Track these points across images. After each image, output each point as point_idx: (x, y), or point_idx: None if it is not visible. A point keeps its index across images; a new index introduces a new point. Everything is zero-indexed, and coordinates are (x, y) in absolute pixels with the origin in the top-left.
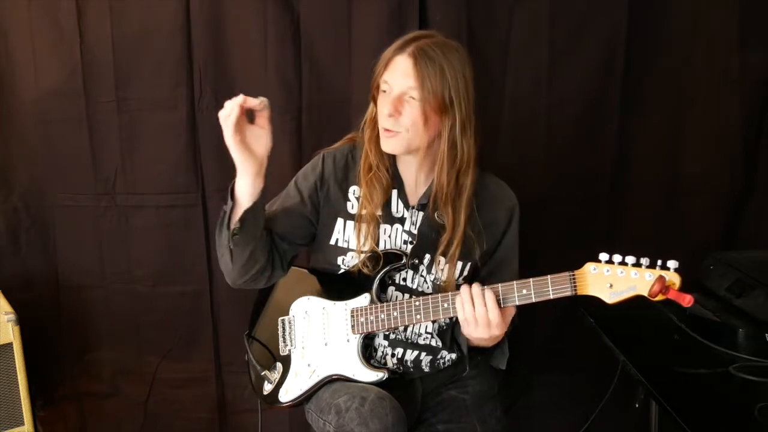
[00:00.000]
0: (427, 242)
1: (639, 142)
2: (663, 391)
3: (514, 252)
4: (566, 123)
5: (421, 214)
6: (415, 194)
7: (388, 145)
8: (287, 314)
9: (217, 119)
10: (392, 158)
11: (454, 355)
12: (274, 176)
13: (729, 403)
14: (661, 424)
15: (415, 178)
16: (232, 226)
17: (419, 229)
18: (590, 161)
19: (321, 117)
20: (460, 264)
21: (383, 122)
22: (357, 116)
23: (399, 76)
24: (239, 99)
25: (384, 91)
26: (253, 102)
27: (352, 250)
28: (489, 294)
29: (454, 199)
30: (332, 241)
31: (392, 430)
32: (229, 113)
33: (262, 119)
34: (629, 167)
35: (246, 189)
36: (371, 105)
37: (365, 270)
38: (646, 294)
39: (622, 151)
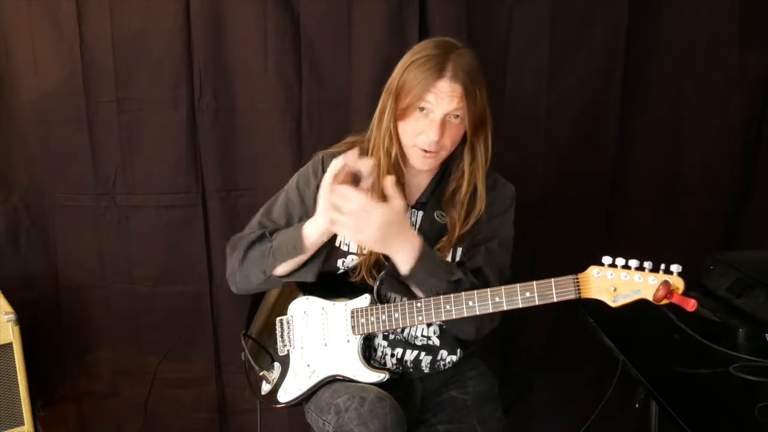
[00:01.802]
0: (427, 241)
1: (639, 142)
2: (663, 391)
3: (498, 232)
4: (566, 123)
5: (420, 213)
6: (413, 195)
7: (426, 164)
8: (285, 314)
9: (217, 119)
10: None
11: (454, 357)
12: (274, 176)
13: (729, 403)
14: (661, 424)
15: (419, 180)
16: (286, 267)
17: (420, 228)
18: (590, 161)
19: (321, 117)
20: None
21: (426, 145)
22: (357, 116)
23: (444, 101)
24: (345, 159)
25: (422, 109)
26: (363, 165)
27: (353, 254)
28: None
29: (479, 202)
30: (336, 243)
31: (391, 431)
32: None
33: (364, 187)
34: (629, 167)
35: (315, 234)
36: (387, 120)
37: (370, 281)
38: (650, 298)
39: (622, 151)
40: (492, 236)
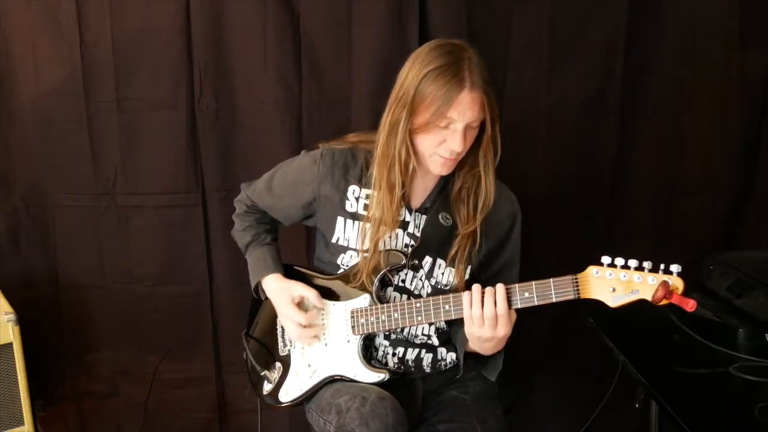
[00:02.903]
0: (429, 243)
1: (639, 142)
2: (663, 391)
3: (516, 258)
4: (566, 123)
5: (424, 217)
6: (418, 198)
7: (446, 170)
8: None
9: (217, 119)
10: None
11: (453, 355)
12: None
13: (729, 403)
14: (661, 424)
15: (424, 184)
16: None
17: (423, 230)
18: (590, 161)
19: (321, 117)
20: (461, 267)
21: (448, 154)
22: (357, 116)
23: (466, 112)
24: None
25: (445, 127)
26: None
27: (352, 249)
28: (500, 288)
29: (490, 200)
30: (334, 239)
31: (393, 431)
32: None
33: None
34: (629, 167)
35: (270, 291)
36: (402, 133)
37: (369, 286)
38: (649, 299)
39: (622, 151)
40: (505, 251)
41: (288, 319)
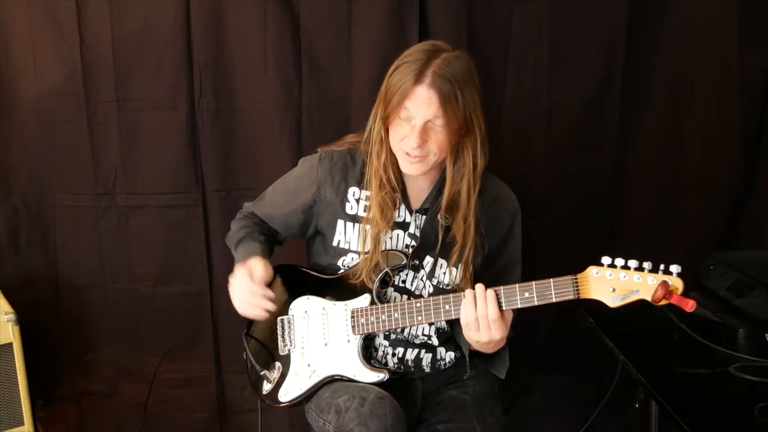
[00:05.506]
0: (429, 243)
1: (639, 142)
2: (663, 391)
3: (517, 257)
4: (566, 123)
5: (424, 217)
6: (417, 199)
7: (413, 169)
8: (286, 314)
9: (217, 119)
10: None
11: (452, 354)
12: (274, 176)
13: (729, 403)
14: (661, 424)
15: (419, 184)
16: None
17: (423, 230)
18: (590, 161)
19: (321, 117)
20: (463, 267)
21: (409, 150)
22: (357, 116)
23: (422, 108)
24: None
25: (403, 119)
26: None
27: (353, 251)
28: (491, 293)
29: (466, 206)
30: (335, 243)
31: (392, 431)
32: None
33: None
34: (629, 167)
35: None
36: (377, 123)
37: (369, 284)
38: (649, 299)
39: (622, 151)
40: (507, 251)
41: (237, 282)
